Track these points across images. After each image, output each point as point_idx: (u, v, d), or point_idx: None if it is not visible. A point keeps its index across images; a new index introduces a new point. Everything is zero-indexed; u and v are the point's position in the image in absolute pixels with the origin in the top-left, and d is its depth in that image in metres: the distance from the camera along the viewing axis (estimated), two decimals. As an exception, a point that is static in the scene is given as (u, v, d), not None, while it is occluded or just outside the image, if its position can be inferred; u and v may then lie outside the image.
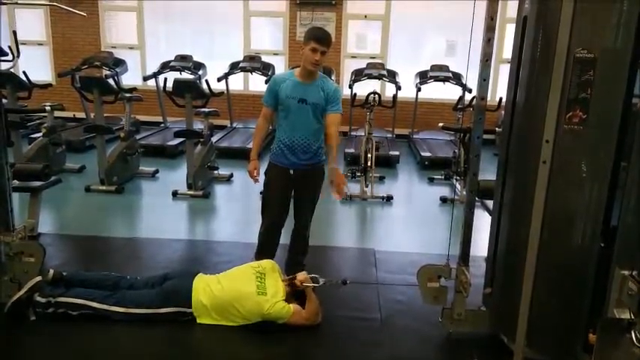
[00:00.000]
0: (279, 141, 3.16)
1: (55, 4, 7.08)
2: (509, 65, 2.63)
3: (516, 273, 2.46)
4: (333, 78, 7.70)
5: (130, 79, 8.04)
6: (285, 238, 3.36)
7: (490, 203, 2.94)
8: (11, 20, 8.70)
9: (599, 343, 2.22)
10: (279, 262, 3.15)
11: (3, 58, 5.96)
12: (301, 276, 2.88)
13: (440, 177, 6.14)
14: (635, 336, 1.72)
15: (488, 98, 2.56)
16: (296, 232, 3.33)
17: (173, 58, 7.89)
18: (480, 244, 3.08)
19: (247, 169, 3.24)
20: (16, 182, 3.72)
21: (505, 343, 2.64)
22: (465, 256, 2.68)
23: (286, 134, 3.12)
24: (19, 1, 6.11)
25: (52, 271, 2.91)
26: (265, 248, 3.27)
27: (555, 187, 2.30)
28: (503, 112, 2.99)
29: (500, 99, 5.80)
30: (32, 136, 6.34)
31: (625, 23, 2.11)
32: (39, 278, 2.83)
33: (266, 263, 3.03)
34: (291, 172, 3.14)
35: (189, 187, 5.24)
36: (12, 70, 5.97)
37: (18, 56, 5.91)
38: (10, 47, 5.94)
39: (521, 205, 2.45)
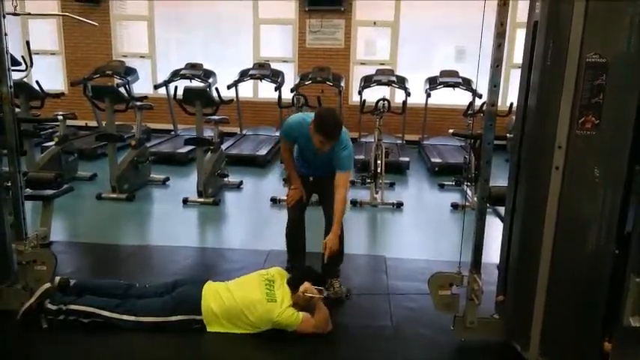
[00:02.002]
0: (299, 162, 3.28)
1: (67, 14, 7.18)
2: (519, 70, 2.61)
3: (529, 280, 2.44)
4: (342, 85, 7.72)
5: (141, 87, 8.13)
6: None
7: (502, 210, 2.91)
8: (25, 30, 8.84)
9: (614, 352, 2.19)
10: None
11: (16, 67, 6.03)
12: (304, 286, 2.85)
13: (450, 183, 6.10)
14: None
15: (499, 104, 2.54)
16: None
17: (183, 67, 7.95)
18: (492, 251, 3.05)
19: (290, 195, 3.31)
20: (28, 190, 3.75)
21: (518, 351, 2.60)
22: (476, 263, 2.65)
23: (305, 160, 3.25)
24: (32, 12, 6.21)
25: (57, 278, 2.92)
26: (293, 248, 3.38)
27: (568, 193, 2.28)
28: (514, 117, 2.97)
29: (511, 104, 5.77)
30: (45, 144, 6.40)
31: (637, 27, 2.09)
32: (48, 285, 2.84)
33: (275, 270, 3.03)
34: (311, 178, 3.28)
35: (200, 194, 5.25)
36: (25, 79, 6.03)
37: (31, 66, 5.98)
38: (23, 57, 6.01)
39: (534, 211, 2.42)
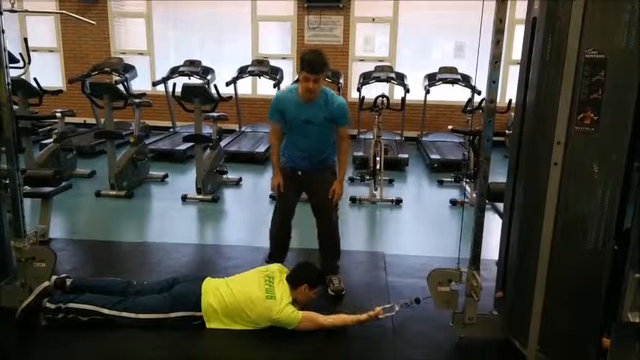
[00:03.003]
0: (289, 150, 3.24)
1: (64, 12, 7.16)
2: (518, 67, 2.61)
3: (528, 277, 2.44)
4: (341, 81, 7.70)
5: (140, 84, 8.11)
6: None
7: (501, 206, 2.91)
8: (22, 27, 8.81)
9: (613, 348, 2.19)
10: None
11: (14, 65, 6.02)
12: (376, 310, 2.80)
13: (449, 180, 6.10)
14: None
15: (498, 100, 2.54)
16: (322, 233, 3.35)
17: (182, 64, 7.94)
18: (491, 248, 3.05)
19: (271, 184, 3.29)
20: (27, 188, 3.75)
21: (517, 347, 2.61)
22: (475, 259, 2.65)
23: (296, 146, 3.21)
24: (29, 9, 6.19)
25: (53, 278, 2.92)
26: (278, 244, 3.39)
27: (567, 189, 2.28)
28: (513, 114, 2.97)
29: (510, 101, 5.76)
30: (43, 142, 6.40)
31: (636, 23, 2.08)
32: (47, 283, 2.84)
33: (274, 267, 3.03)
34: (300, 173, 3.24)
35: (199, 191, 5.25)
36: (23, 76, 6.02)
37: (29, 63, 5.96)
38: (21, 54, 6.00)
39: (533, 207, 2.43)
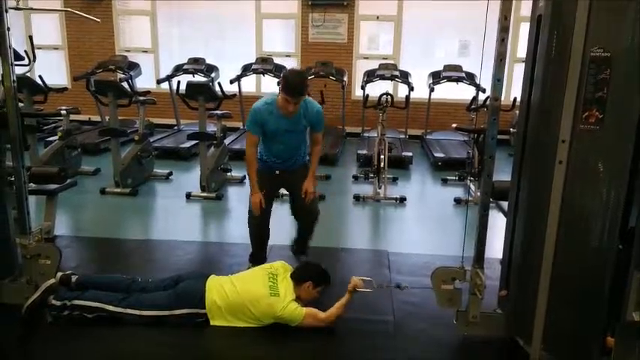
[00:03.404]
0: (265, 155, 3.30)
1: (69, 9, 7.18)
2: (523, 65, 2.60)
3: (532, 275, 2.43)
4: (345, 79, 7.70)
5: (144, 82, 8.13)
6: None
7: (505, 204, 2.91)
8: (27, 25, 8.84)
9: (617, 347, 2.19)
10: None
11: (19, 62, 6.04)
12: (355, 280, 2.84)
13: (453, 178, 6.09)
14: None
15: (503, 98, 2.53)
16: (304, 211, 3.41)
17: (186, 61, 7.95)
18: (495, 246, 3.05)
19: (251, 201, 3.24)
20: (32, 185, 3.76)
21: (521, 346, 2.61)
22: (479, 258, 2.65)
23: (271, 152, 3.27)
24: (34, 7, 6.21)
25: (59, 274, 2.93)
26: (259, 242, 3.43)
27: (572, 188, 2.27)
28: (517, 112, 2.96)
29: (515, 99, 5.75)
30: (48, 139, 6.42)
31: (642, 21, 2.08)
32: (52, 280, 2.86)
33: (278, 264, 3.04)
34: (277, 172, 3.31)
35: (203, 189, 5.26)
36: (28, 74, 6.04)
37: (34, 60, 5.98)
38: (26, 52, 6.02)
39: (537, 206, 2.42)
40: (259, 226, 3.38)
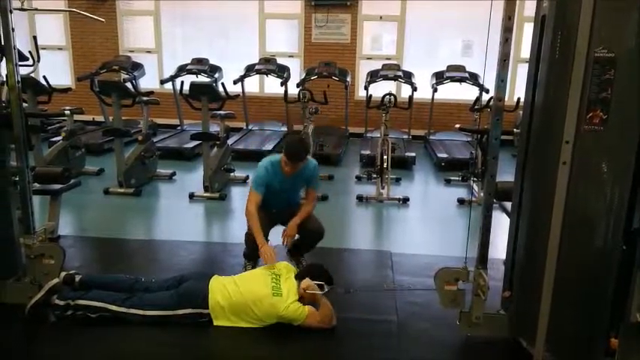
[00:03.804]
0: (264, 204, 3.35)
1: (74, 10, 7.20)
2: (527, 65, 2.59)
3: (536, 276, 2.43)
4: (348, 80, 7.70)
5: (148, 82, 8.14)
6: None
7: (508, 205, 2.90)
8: (32, 26, 8.87)
9: (621, 348, 2.18)
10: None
11: (23, 62, 6.06)
12: (305, 283, 2.87)
13: (457, 178, 6.08)
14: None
15: (506, 99, 2.52)
16: (305, 244, 3.50)
17: (189, 62, 7.96)
18: (499, 247, 3.04)
19: (263, 257, 3.14)
20: (36, 185, 3.77)
21: (524, 347, 2.60)
22: (483, 258, 2.65)
23: (270, 203, 3.36)
24: (39, 8, 6.23)
25: (62, 274, 2.94)
26: (254, 255, 3.40)
27: (575, 189, 2.27)
28: (521, 112, 2.95)
29: (519, 99, 5.73)
30: (52, 139, 6.44)
31: (646, 21, 2.07)
32: (56, 280, 2.86)
33: (281, 265, 3.04)
34: (274, 210, 3.41)
35: (206, 189, 5.27)
36: (32, 74, 6.06)
37: (38, 61, 5.99)
38: (30, 52, 6.03)
39: (541, 207, 2.41)
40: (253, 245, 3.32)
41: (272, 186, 3.31)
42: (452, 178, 6.13)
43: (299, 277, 2.93)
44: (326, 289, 2.88)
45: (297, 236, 3.43)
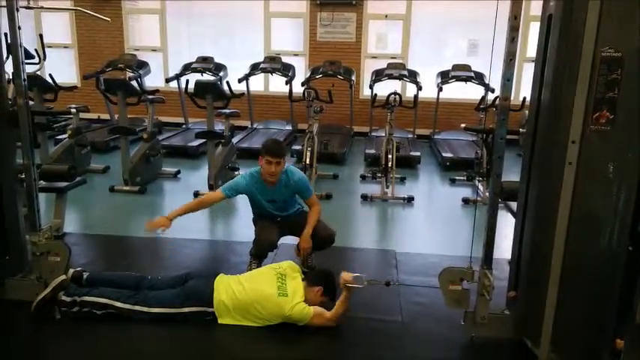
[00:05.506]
0: (261, 212, 3.43)
1: (79, 8, 7.23)
2: (533, 64, 2.58)
3: (541, 276, 2.42)
4: (353, 79, 7.69)
5: (153, 81, 8.16)
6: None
7: (514, 205, 2.89)
8: (38, 24, 8.90)
9: (626, 349, 2.17)
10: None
11: (30, 61, 6.10)
12: (346, 276, 2.82)
13: (462, 178, 6.07)
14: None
15: (512, 98, 2.52)
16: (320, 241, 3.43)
17: (194, 60, 7.98)
18: (504, 247, 3.04)
19: (155, 222, 3.22)
20: (42, 183, 3.79)
21: (529, 347, 2.59)
22: (488, 258, 2.64)
23: (265, 216, 3.42)
24: (45, 6, 6.25)
25: (71, 271, 2.96)
26: (261, 258, 3.42)
27: (581, 189, 2.26)
28: (527, 112, 2.94)
29: (524, 99, 5.72)
30: (58, 137, 6.47)
31: (654, 21, 2.05)
32: (63, 277, 2.88)
33: (286, 264, 3.04)
34: (278, 219, 3.43)
35: (211, 187, 5.27)
36: (38, 72, 6.09)
37: (44, 59, 6.03)
38: (36, 50, 6.06)
39: (547, 207, 2.41)
40: (266, 249, 3.37)
41: (254, 196, 3.36)
42: (457, 177, 6.12)
43: (308, 279, 2.93)
44: (365, 283, 2.85)
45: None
